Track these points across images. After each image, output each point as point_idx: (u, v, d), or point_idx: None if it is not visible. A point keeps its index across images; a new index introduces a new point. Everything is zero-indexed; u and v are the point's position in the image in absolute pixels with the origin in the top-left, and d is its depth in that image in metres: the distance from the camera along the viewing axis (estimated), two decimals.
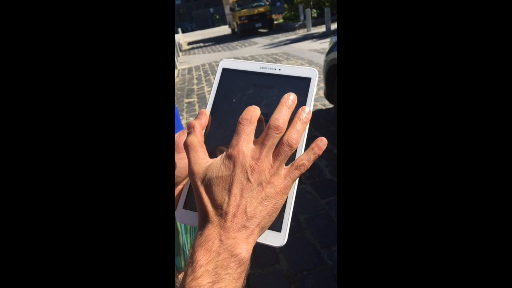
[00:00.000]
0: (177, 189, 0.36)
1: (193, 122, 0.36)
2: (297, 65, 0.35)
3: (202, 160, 0.32)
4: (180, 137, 0.39)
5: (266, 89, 0.36)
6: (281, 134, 0.31)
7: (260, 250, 1.61)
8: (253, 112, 0.32)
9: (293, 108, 0.33)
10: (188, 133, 0.34)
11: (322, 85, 3.53)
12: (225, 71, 0.38)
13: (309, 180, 2.16)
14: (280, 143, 0.31)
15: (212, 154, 0.35)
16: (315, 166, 2.32)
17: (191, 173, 0.32)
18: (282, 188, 0.30)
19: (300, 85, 0.35)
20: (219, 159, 0.31)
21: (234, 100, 0.36)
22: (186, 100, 4.58)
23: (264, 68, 0.37)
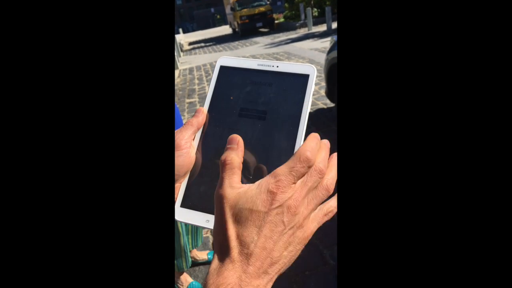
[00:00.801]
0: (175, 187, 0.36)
1: (191, 120, 0.36)
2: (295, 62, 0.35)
3: (237, 185, 0.29)
4: (178, 135, 0.38)
5: (264, 86, 0.36)
6: (322, 177, 0.29)
7: None
8: (314, 150, 0.30)
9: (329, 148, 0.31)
10: (230, 149, 0.31)
11: (324, 84, 3.52)
12: (223, 68, 0.38)
13: None
14: (318, 186, 0.29)
15: (209, 152, 0.35)
16: None
17: (220, 196, 0.29)
18: (309, 234, 0.28)
19: (298, 82, 0.35)
20: (255, 188, 0.28)
21: (231, 97, 0.36)
22: (188, 100, 4.58)
23: (262, 65, 0.36)
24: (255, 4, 13.32)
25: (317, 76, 3.44)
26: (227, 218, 0.28)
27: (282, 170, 0.28)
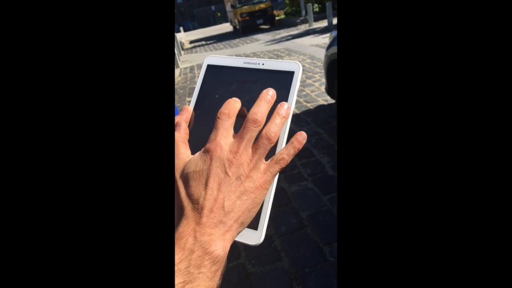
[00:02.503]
0: None
1: (175, 117, 0.37)
2: (287, 60, 0.35)
3: (182, 155, 0.32)
4: None
5: (249, 84, 0.36)
6: (260, 127, 0.30)
7: (261, 248, 1.61)
8: (232, 106, 0.32)
9: (272, 103, 0.32)
10: (175, 130, 0.34)
11: (324, 80, 3.49)
12: (209, 67, 0.39)
13: (311, 177, 2.15)
14: (259, 136, 0.30)
15: (195, 150, 0.35)
16: (316, 162, 2.30)
17: None
18: (262, 183, 0.29)
19: (283, 79, 0.35)
20: (197, 154, 0.31)
21: (217, 96, 0.37)
22: (188, 99, 4.58)
23: (248, 63, 0.37)
24: (256, 1, 13.25)
25: (317, 73, 3.38)
26: (178, 184, 0.30)
27: (215, 133, 0.31)
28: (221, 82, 0.37)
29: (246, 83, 0.36)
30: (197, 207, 0.28)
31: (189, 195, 0.29)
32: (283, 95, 0.34)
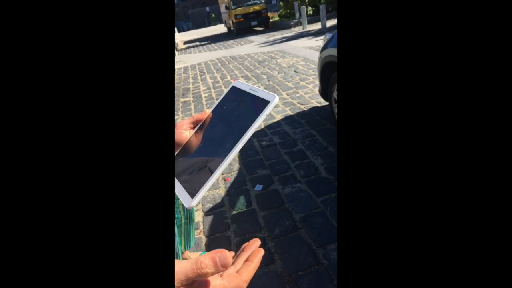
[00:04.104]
0: None
1: (195, 114, 0.48)
2: (264, 90, 0.48)
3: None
4: (181, 121, 0.51)
5: (243, 103, 0.49)
6: None
7: None
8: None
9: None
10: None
11: (317, 82, 3.51)
12: (232, 87, 0.53)
13: (304, 179, 2.15)
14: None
15: (204, 139, 0.49)
16: (310, 164, 2.30)
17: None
18: None
19: (260, 105, 0.45)
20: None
21: (225, 107, 0.51)
22: (182, 100, 4.55)
23: (251, 89, 0.49)
24: (250, 2, 13.29)
25: (311, 75, 3.39)
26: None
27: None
28: (231, 99, 0.51)
29: (241, 103, 0.49)
30: None
31: None
32: (253, 117, 0.44)
